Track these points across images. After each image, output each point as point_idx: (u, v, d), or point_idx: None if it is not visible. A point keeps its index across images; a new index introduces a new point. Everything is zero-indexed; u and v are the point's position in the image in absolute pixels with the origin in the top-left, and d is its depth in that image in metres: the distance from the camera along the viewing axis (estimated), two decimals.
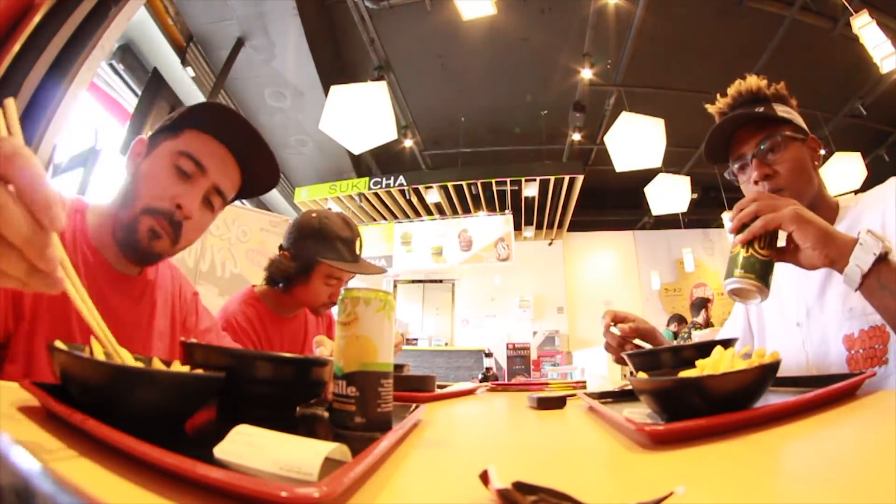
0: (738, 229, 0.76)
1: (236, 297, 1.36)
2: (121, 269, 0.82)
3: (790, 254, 0.75)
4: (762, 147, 0.96)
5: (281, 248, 1.35)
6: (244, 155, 0.84)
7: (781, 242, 0.77)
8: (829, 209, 0.97)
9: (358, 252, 1.34)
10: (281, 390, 0.56)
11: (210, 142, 0.80)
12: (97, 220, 0.81)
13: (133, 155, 0.80)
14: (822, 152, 1.06)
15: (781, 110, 0.97)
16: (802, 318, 0.95)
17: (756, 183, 0.96)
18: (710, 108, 1.08)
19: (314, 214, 1.34)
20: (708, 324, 4.68)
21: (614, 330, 1.00)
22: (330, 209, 1.38)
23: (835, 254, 0.70)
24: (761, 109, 0.97)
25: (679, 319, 5.17)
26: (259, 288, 1.39)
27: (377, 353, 0.49)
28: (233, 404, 0.54)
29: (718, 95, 1.06)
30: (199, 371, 0.49)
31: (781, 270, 1.01)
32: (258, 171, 0.87)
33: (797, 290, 0.98)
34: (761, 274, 0.74)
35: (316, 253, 1.26)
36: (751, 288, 0.73)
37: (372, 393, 0.48)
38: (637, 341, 1.02)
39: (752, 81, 1.01)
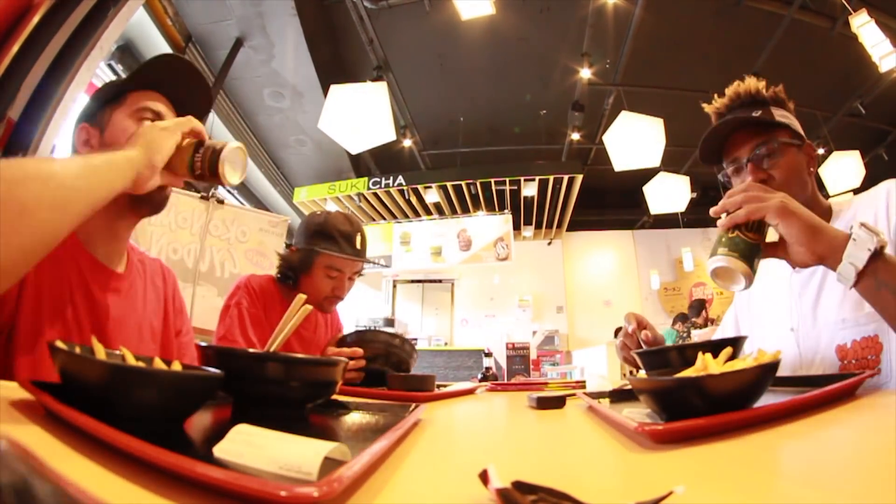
0: (721, 215, 0.74)
1: (254, 275, 1.45)
2: (107, 263, 0.83)
3: (781, 249, 0.73)
4: (758, 152, 0.95)
5: (288, 245, 1.46)
6: (180, 96, 0.90)
7: (773, 237, 0.75)
8: (821, 213, 0.96)
9: (359, 247, 1.41)
10: (293, 391, 0.56)
11: (153, 95, 0.86)
12: None
13: (84, 142, 0.83)
14: (821, 151, 1.07)
15: (779, 115, 0.96)
16: (796, 324, 0.94)
17: None
18: (707, 108, 1.07)
19: (319, 213, 1.43)
20: (707, 323, 4.69)
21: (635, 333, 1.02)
22: (338, 211, 1.49)
23: (824, 250, 0.66)
24: (759, 113, 0.96)
25: (683, 318, 5.18)
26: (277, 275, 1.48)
27: None
28: (246, 403, 0.55)
29: (716, 95, 1.05)
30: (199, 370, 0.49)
31: (775, 274, 1.01)
32: (193, 104, 0.93)
33: (790, 296, 0.97)
34: (747, 255, 0.70)
35: (316, 245, 1.35)
36: (735, 268, 0.70)
37: None
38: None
39: (751, 83, 1.00)
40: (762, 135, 0.95)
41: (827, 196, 5.95)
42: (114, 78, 4.02)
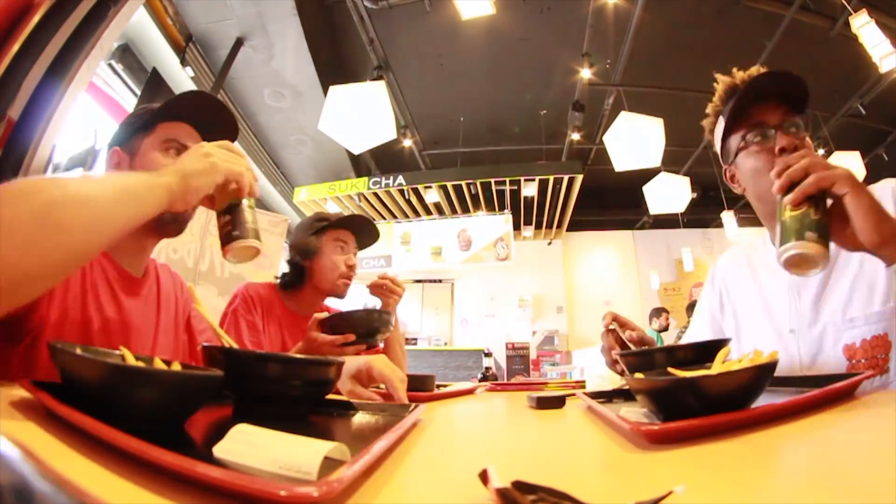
0: (787, 188, 0.65)
1: (251, 283, 1.48)
2: (128, 268, 0.89)
3: (836, 226, 0.65)
4: (793, 121, 0.88)
5: (289, 260, 1.49)
6: (207, 126, 0.94)
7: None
8: None
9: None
10: (289, 390, 0.57)
11: (181, 126, 0.91)
12: None
13: (115, 165, 0.89)
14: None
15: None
16: (796, 325, 0.90)
17: (781, 152, 0.86)
18: (724, 80, 0.99)
19: (307, 216, 1.53)
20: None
21: (614, 328, 0.97)
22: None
23: (889, 233, 0.60)
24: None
25: (657, 313, 5.06)
26: (279, 283, 1.50)
27: None
28: (247, 402, 0.56)
29: (734, 70, 0.97)
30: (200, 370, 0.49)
31: (769, 272, 0.97)
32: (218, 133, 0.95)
33: (790, 295, 0.93)
34: (824, 234, 0.61)
35: (315, 228, 1.43)
36: (816, 254, 0.61)
37: None
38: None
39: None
40: (795, 111, 0.89)
41: None
42: (112, 76, 4.03)
